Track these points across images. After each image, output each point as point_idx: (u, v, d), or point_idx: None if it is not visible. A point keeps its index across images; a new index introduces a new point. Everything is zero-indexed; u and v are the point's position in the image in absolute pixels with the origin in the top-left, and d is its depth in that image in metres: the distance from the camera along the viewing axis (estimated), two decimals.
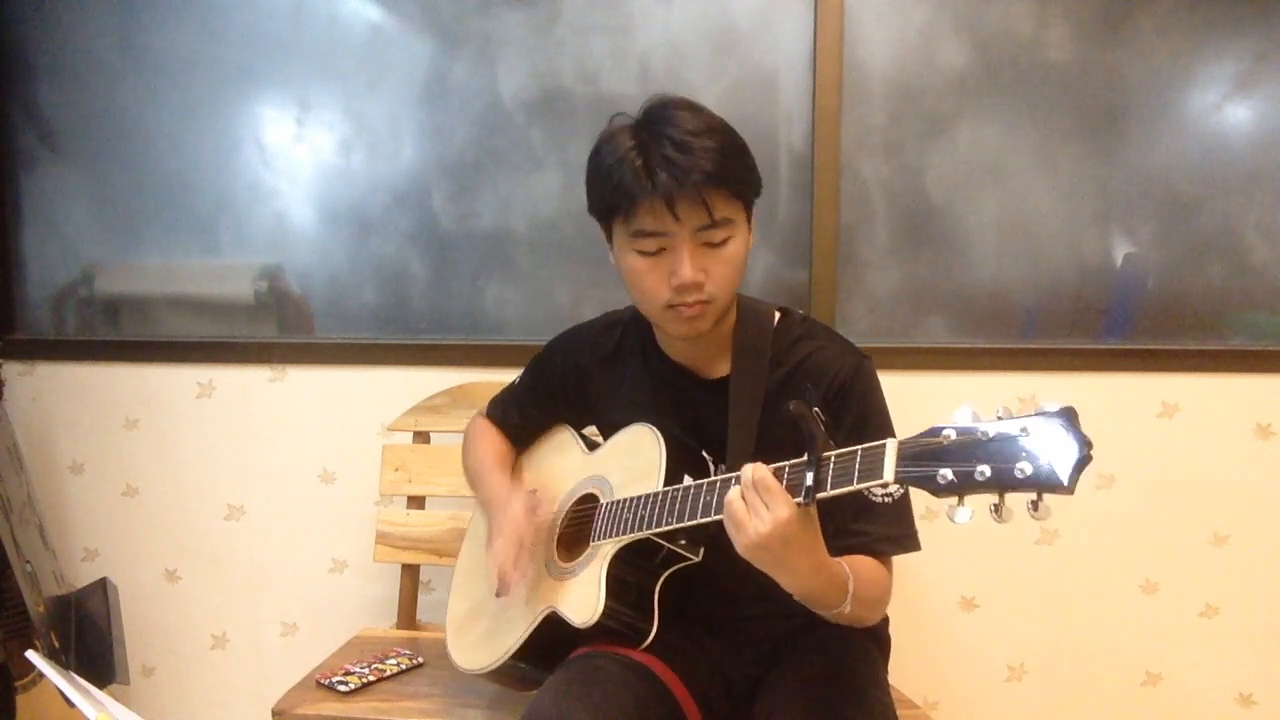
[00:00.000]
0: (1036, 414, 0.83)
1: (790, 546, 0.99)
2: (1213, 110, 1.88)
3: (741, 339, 1.27)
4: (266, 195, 2.07)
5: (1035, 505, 0.82)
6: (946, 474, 0.85)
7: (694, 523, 1.12)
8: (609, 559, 1.20)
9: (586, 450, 1.40)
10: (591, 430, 1.46)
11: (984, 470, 0.83)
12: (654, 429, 1.25)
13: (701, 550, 1.21)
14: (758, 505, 0.98)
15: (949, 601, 1.95)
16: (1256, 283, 1.90)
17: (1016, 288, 1.93)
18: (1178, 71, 1.87)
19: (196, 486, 2.11)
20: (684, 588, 1.23)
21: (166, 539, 2.13)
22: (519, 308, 2.03)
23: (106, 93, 2.08)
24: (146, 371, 2.10)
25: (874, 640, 1.32)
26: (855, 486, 0.93)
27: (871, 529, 1.19)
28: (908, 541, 1.22)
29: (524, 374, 1.50)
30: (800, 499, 0.97)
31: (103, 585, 1.90)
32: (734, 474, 1.04)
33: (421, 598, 1.90)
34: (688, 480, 1.16)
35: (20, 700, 1.85)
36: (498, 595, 1.28)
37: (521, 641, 1.28)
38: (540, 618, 1.26)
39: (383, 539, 1.87)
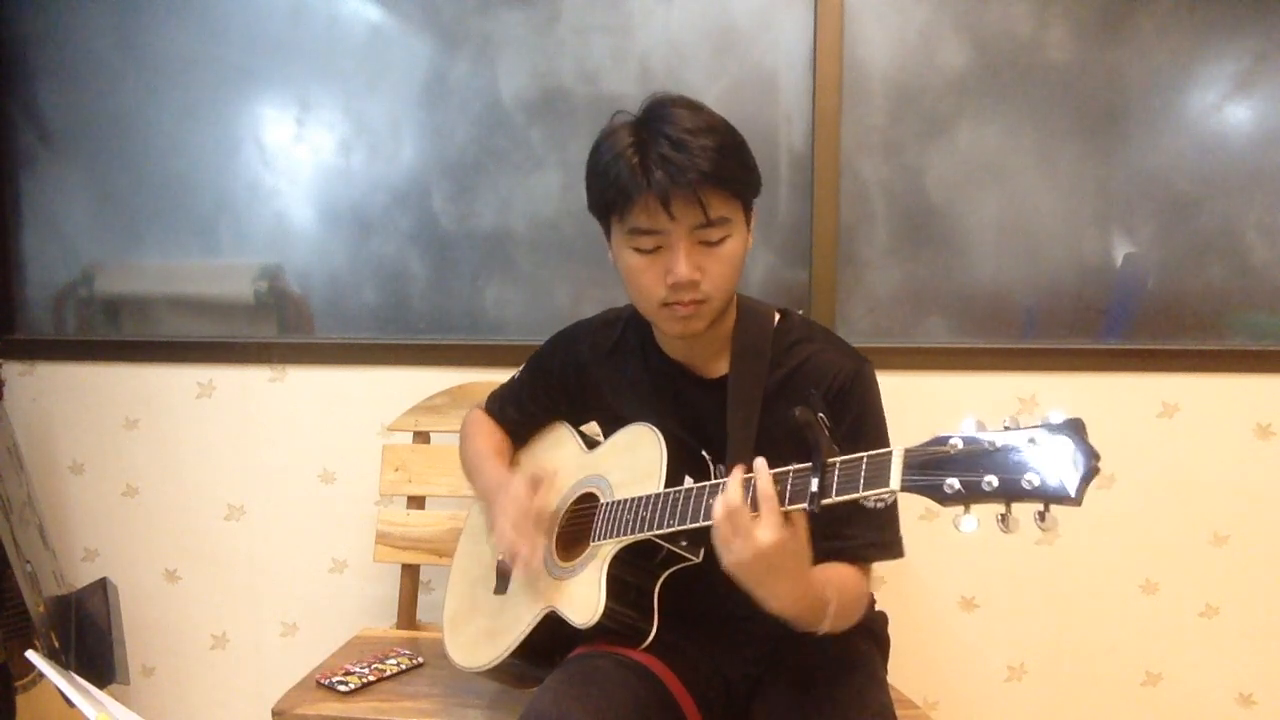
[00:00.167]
0: (1044, 425, 0.83)
1: (774, 572, 1.00)
2: (1212, 110, 1.88)
3: (741, 339, 1.26)
4: (266, 195, 2.07)
5: (1042, 516, 0.82)
6: (953, 483, 0.86)
7: (695, 525, 1.11)
8: (609, 559, 1.20)
9: (585, 449, 1.40)
10: (590, 428, 1.46)
11: (991, 480, 0.83)
12: (654, 429, 1.25)
13: (702, 551, 1.20)
14: (744, 527, 0.98)
15: (949, 601, 1.95)
16: (1256, 283, 1.90)
17: (1016, 288, 1.93)
18: (1177, 71, 1.87)
19: (196, 486, 2.11)
20: (684, 588, 1.23)
21: (166, 539, 2.13)
22: (519, 308, 2.03)
23: (106, 93, 2.08)
24: (146, 371, 2.10)
25: (874, 640, 1.32)
26: (861, 494, 0.93)
27: (860, 534, 1.19)
28: (894, 548, 1.22)
29: (523, 370, 1.50)
30: (805, 505, 0.96)
31: (103, 585, 1.90)
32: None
33: (421, 598, 1.89)
34: (689, 481, 1.16)
35: (20, 700, 1.85)
36: (500, 572, 1.27)
37: (520, 640, 1.28)
38: (540, 617, 1.26)
39: (383, 539, 1.87)
